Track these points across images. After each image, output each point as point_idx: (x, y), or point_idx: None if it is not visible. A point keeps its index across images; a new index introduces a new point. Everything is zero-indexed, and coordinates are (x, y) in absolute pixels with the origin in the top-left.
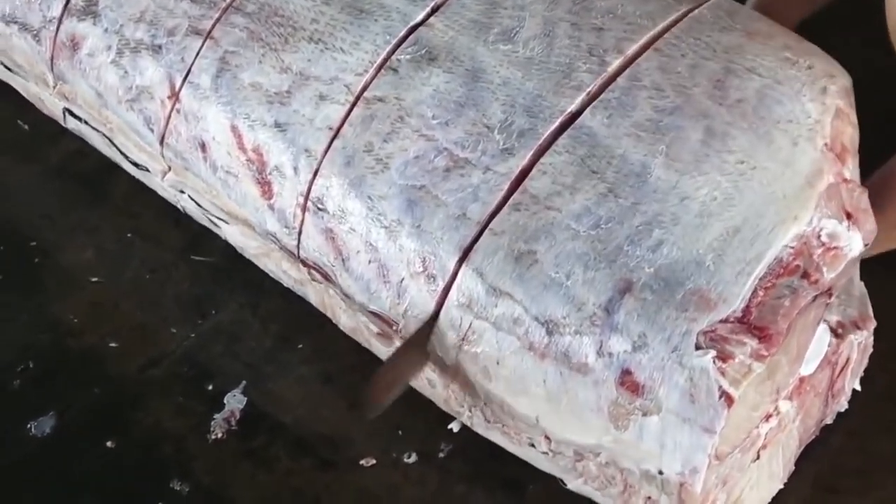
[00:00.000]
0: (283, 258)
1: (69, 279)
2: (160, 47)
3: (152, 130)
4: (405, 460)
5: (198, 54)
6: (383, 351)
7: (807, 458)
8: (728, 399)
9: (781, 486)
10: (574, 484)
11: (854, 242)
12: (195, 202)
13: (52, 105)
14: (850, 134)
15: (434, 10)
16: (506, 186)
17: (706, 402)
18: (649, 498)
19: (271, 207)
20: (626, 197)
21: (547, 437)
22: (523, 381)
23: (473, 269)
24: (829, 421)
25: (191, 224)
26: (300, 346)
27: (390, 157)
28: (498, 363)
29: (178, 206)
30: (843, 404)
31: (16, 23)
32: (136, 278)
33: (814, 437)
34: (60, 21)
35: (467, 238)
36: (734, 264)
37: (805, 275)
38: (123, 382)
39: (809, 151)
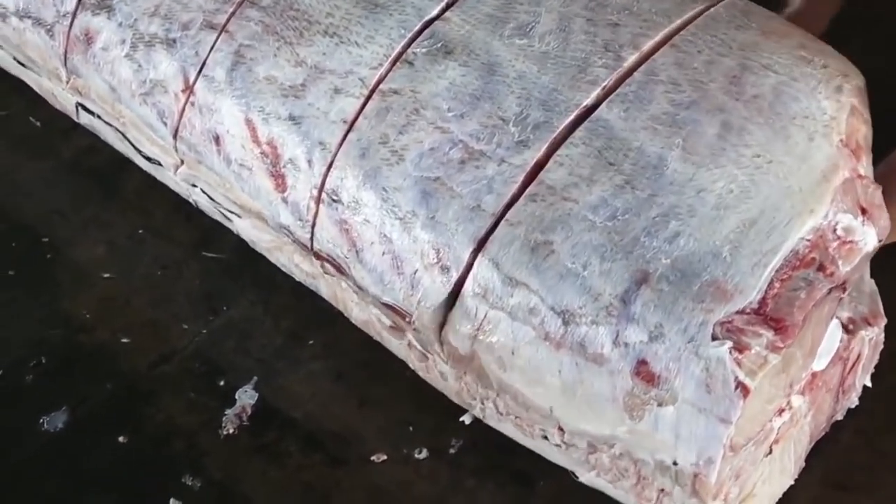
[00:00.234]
0: (296, 251)
1: (81, 275)
2: (174, 41)
3: (166, 124)
4: (416, 456)
5: (212, 48)
6: (395, 344)
7: (817, 454)
8: (744, 389)
9: (792, 482)
10: (586, 477)
11: (868, 237)
12: (208, 196)
13: (64, 100)
14: (864, 132)
15: (449, 5)
16: (520, 178)
17: (722, 392)
18: (662, 490)
19: (285, 200)
20: (643, 189)
21: (560, 429)
22: (538, 371)
23: (489, 260)
24: (839, 417)
25: (202, 221)
26: (311, 342)
27: (405, 148)
28: (513, 353)
29: (190, 201)
30: (853, 401)
31: (29, 17)
32: (148, 274)
33: (824, 433)
34: (74, 15)
35: (482, 229)
36: (750, 256)
37: (821, 267)
38: (135, 378)
39: (825, 147)
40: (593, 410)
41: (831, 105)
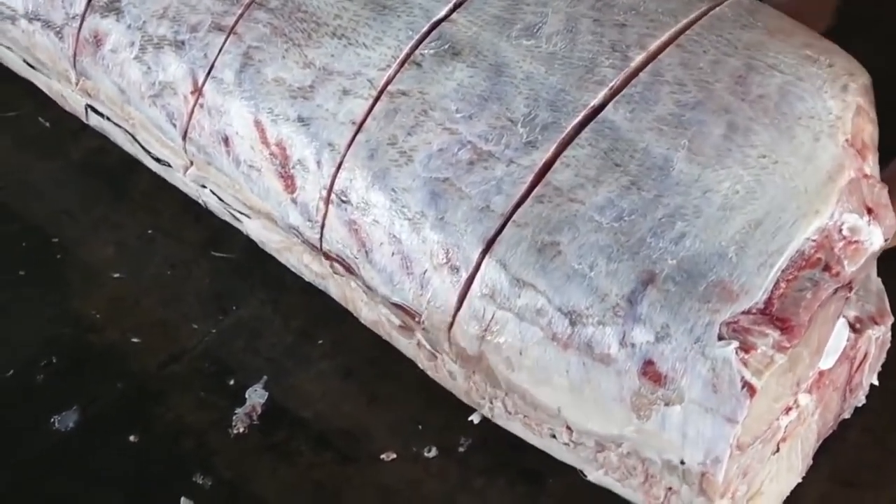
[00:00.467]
0: (305, 252)
1: (91, 275)
2: (183, 43)
3: (175, 125)
4: (425, 454)
5: (221, 50)
6: (404, 344)
7: (825, 452)
8: (750, 389)
9: (800, 480)
10: (594, 475)
11: (874, 237)
12: (217, 197)
13: (74, 102)
14: (870, 131)
15: (456, 7)
16: (529, 179)
17: (729, 392)
18: (670, 488)
19: (294, 201)
20: (649, 189)
21: (568, 428)
22: (546, 371)
23: (497, 261)
24: (846, 416)
25: (211, 221)
26: (321, 341)
27: (414, 149)
28: (521, 353)
29: (200, 202)
30: (860, 399)
31: (39, 20)
32: (158, 274)
33: (832, 431)
34: (83, 18)
35: (491, 230)
36: (756, 256)
37: (826, 267)
38: (145, 378)
39: (831, 147)
40: (601, 410)
41: (837, 104)
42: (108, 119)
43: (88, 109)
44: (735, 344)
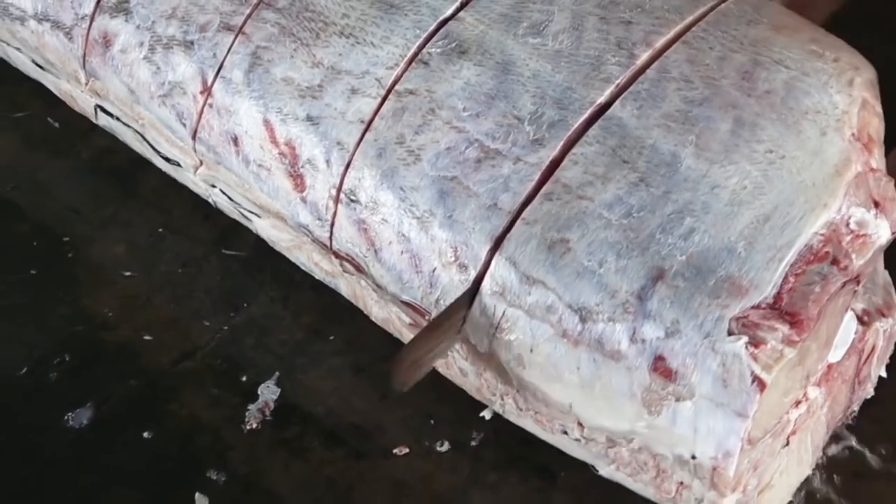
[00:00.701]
0: (315, 250)
1: (102, 274)
2: (192, 43)
3: (184, 125)
4: (437, 449)
5: (230, 50)
6: None
7: (834, 444)
8: (761, 384)
9: (810, 473)
10: (606, 470)
11: (882, 230)
12: (227, 196)
13: (83, 102)
14: (876, 125)
15: (463, 5)
16: (537, 177)
17: (739, 386)
18: (681, 483)
19: (303, 200)
20: (658, 186)
21: (580, 424)
22: (557, 367)
23: (506, 258)
24: (855, 408)
25: (220, 219)
26: (331, 337)
27: (422, 148)
28: (531, 350)
29: (210, 201)
30: (869, 391)
31: (48, 21)
32: (169, 272)
33: (840, 424)
34: (92, 18)
35: (499, 228)
36: (765, 251)
37: (835, 261)
38: (159, 375)
39: (837, 141)
40: (612, 406)
41: (843, 99)
42: (118, 119)
43: (98, 110)
44: (745, 339)
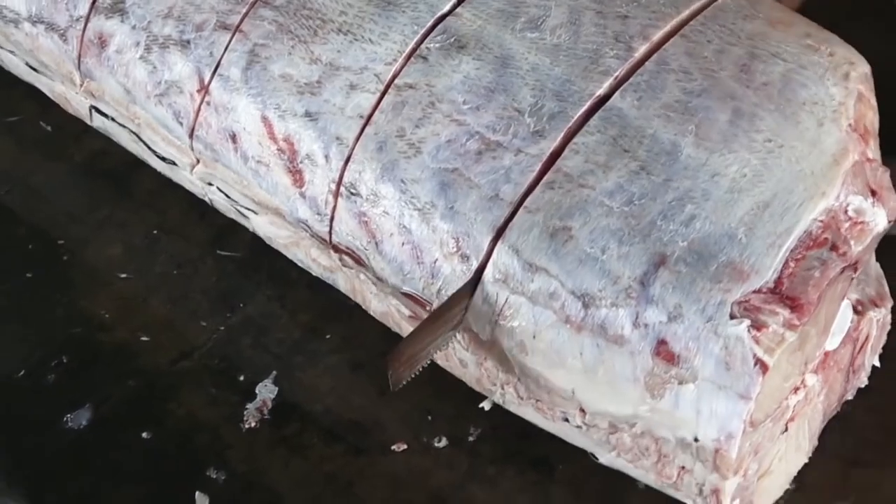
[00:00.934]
0: (313, 246)
1: (98, 276)
2: (188, 42)
3: (182, 124)
4: (436, 444)
5: (227, 48)
6: None
7: (829, 432)
8: (763, 366)
9: (807, 460)
10: (606, 458)
11: (879, 218)
12: (224, 193)
13: (77, 104)
14: (871, 117)
15: (460, 1)
16: (538, 167)
17: (741, 369)
18: (683, 467)
19: (303, 195)
20: (658, 174)
21: (582, 411)
22: (560, 353)
23: (509, 247)
24: (849, 396)
25: (216, 219)
26: (328, 335)
27: (422, 141)
28: (534, 337)
29: (206, 199)
30: (863, 380)
31: (42, 22)
32: (164, 273)
33: (836, 412)
34: (87, 20)
35: (500, 218)
36: (765, 237)
37: (834, 247)
38: (157, 375)
39: (835, 132)
40: (615, 391)
41: (839, 91)
42: (113, 120)
43: (93, 111)
44: (747, 322)
